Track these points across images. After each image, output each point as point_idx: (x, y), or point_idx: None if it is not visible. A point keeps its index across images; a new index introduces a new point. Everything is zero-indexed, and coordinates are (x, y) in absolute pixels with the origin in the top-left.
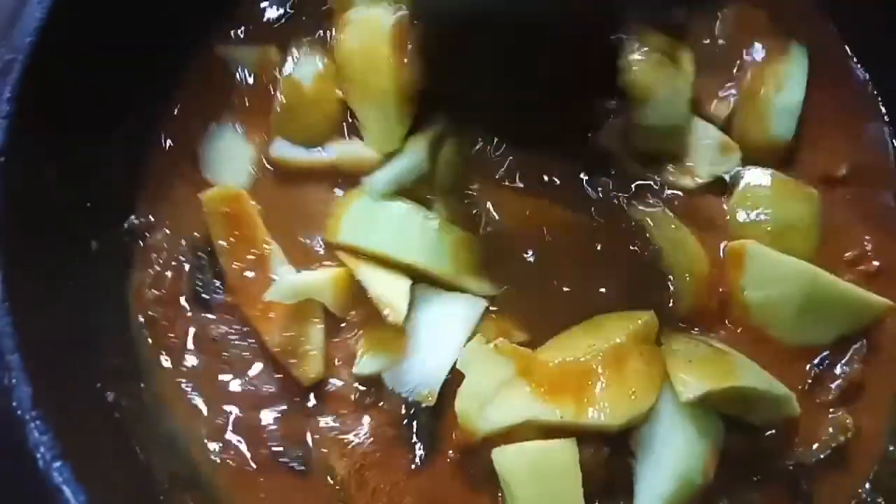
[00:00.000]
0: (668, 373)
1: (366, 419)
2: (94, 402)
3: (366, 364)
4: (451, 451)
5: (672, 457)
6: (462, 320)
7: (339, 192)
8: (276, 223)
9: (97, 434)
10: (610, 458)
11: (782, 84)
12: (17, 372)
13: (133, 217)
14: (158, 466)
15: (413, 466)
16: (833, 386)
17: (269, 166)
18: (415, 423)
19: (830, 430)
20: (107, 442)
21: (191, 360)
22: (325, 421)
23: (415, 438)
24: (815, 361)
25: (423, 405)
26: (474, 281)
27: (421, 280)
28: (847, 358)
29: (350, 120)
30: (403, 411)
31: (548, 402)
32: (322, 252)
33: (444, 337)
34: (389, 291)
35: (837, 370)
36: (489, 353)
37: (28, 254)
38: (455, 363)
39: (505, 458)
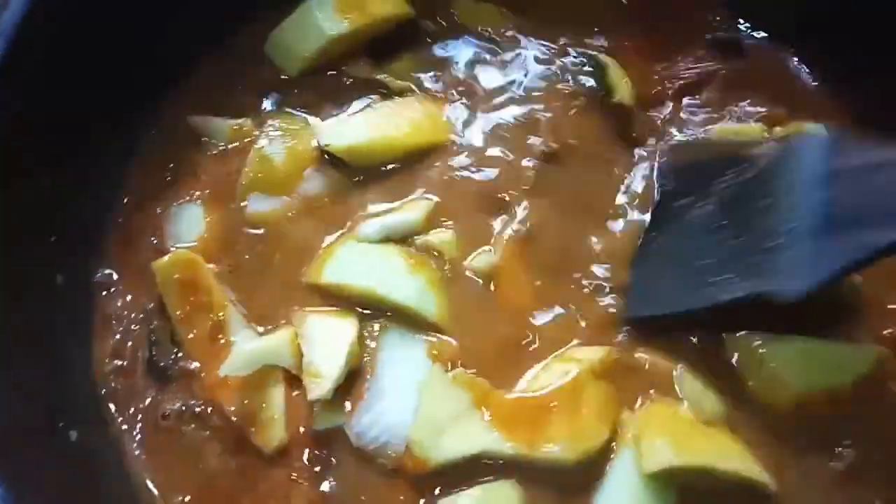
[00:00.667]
0: (639, 436)
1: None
2: (56, 443)
3: (324, 418)
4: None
5: None
6: (428, 364)
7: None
8: (238, 283)
9: (58, 478)
10: None
11: None
12: None
13: (102, 264)
14: None
15: None
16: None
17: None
18: None
19: None
20: (70, 486)
21: (146, 439)
22: (291, 494)
23: None
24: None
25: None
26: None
27: (393, 320)
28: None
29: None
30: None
31: (502, 434)
32: (285, 309)
33: (409, 383)
34: (324, 359)
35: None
36: (447, 384)
37: None
38: None
39: None
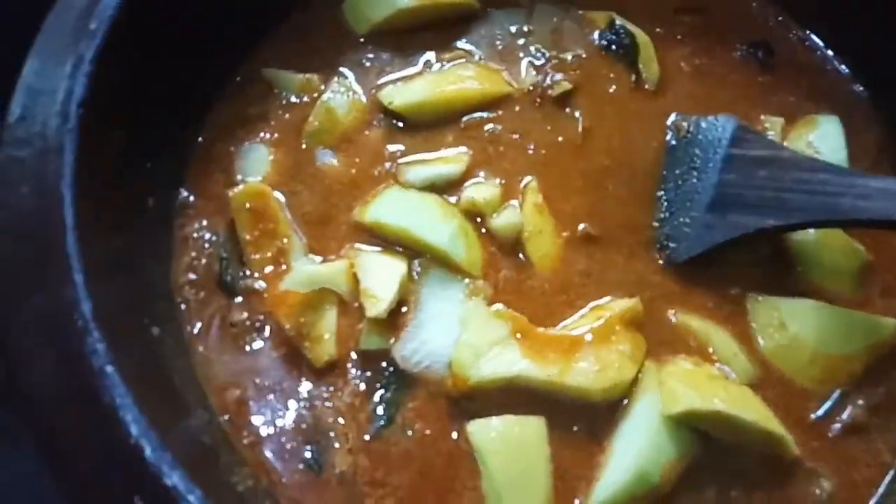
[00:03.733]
0: (660, 381)
1: (374, 399)
2: (142, 333)
3: (371, 340)
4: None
5: (634, 454)
6: (466, 302)
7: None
8: (299, 219)
9: (141, 354)
10: None
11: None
12: (81, 290)
13: (183, 189)
14: (193, 400)
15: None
16: (836, 426)
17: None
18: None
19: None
20: (148, 362)
21: (212, 342)
22: (335, 405)
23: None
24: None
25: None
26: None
27: (432, 262)
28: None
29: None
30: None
31: (537, 361)
32: (341, 246)
33: (449, 317)
34: (379, 284)
35: (846, 412)
36: (488, 315)
37: (95, 193)
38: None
39: (478, 429)
